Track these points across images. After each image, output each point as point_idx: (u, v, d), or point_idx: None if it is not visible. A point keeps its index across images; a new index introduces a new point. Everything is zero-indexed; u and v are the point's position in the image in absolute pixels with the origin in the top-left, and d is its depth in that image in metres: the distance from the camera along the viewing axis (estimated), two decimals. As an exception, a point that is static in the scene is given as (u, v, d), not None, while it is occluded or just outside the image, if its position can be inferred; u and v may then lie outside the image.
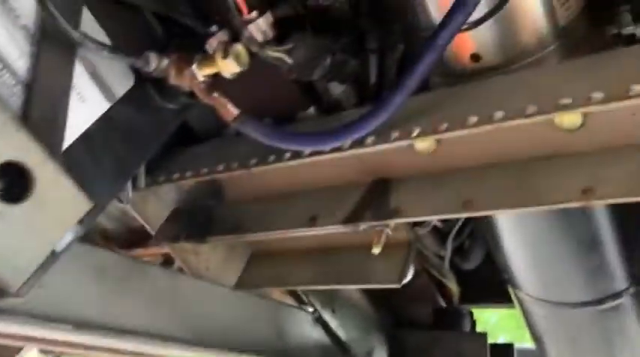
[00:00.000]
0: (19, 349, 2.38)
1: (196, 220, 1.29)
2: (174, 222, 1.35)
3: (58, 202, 0.67)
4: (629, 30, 0.91)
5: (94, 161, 0.75)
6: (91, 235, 2.14)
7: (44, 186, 0.65)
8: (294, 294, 2.05)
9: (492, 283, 1.94)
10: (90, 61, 0.75)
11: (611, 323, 1.23)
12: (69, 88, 0.71)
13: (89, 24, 0.76)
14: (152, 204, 1.44)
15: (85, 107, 0.75)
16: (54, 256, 0.68)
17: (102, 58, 0.73)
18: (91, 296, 1.16)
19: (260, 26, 0.90)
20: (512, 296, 1.38)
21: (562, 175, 0.85)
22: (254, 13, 0.89)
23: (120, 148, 0.80)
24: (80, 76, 0.74)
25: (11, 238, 0.60)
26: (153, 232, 1.45)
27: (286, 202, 1.17)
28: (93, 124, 0.75)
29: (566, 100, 0.75)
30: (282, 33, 0.93)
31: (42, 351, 2.51)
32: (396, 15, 1.01)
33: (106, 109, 0.77)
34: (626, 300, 1.19)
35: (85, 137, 0.74)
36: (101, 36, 0.77)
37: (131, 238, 2.10)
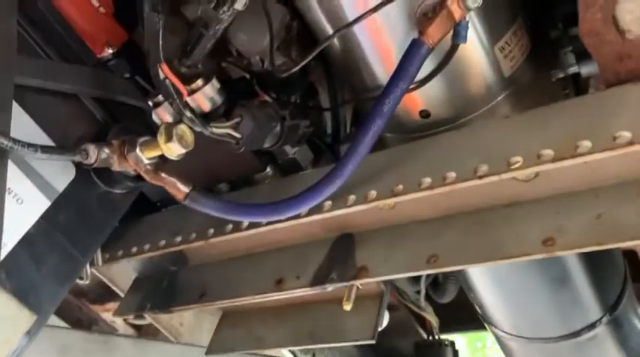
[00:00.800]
0: None
1: (160, 288, 1.25)
2: (137, 291, 1.30)
3: (-2, 322, 0.63)
4: (573, 70, 0.92)
5: (37, 265, 0.72)
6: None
7: (-19, 307, 0.61)
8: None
9: (473, 310, 1.93)
10: (25, 161, 0.72)
11: (589, 353, 1.22)
12: (3, 192, 0.68)
13: (23, 123, 0.72)
14: (116, 268, 1.40)
15: (24, 209, 0.71)
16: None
17: (37, 159, 0.70)
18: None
19: (207, 94, 0.87)
20: (489, 330, 1.36)
21: (522, 224, 0.85)
22: (200, 81, 0.86)
23: (66, 244, 0.76)
24: (15, 178, 0.70)
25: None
26: (121, 294, 1.41)
27: (251, 265, 1.14)
28: (33, 226, 0.72)
29: (517, 159, 0.74)
30: (230, 97, 0.91)
31: None
32: (344, 74, 1.00)
33: (46, 208, 0.74)
34: (601, 329, 1.18)
35: (26, 241, 0.70)
36: (37, 133, 0.74)
37: (103, 292, 2.03)
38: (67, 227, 0.76)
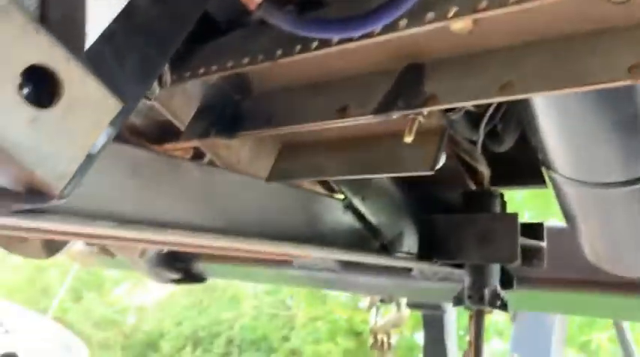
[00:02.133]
0: (66, 242, 2.52)
1: (225, 115, 1.28)
2: (202, 118, 1.34)
3: (88, 105, 0.65)
4: None
5: (118, 61, 0.73)
6: (121, 131, 2.16)
7: (72, 89, 0.63)
8: (324, 184, 2.08)
9: (522, 164, 1.93)
10: (102, -48, 0.70)
11: (646, 202, 1.22)
12: (84, -20, 0.67)
13: None
14: (179, 99, 1.43)
15: (104, 4, 0.71)
16: (90, 159, 0.69)
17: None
18: (127, 193, 1.19)
19: None
20: (546, 177, 1.36)
21: (608, 52, 0.80)
22: None
23: (142, 45, 0.77)
24: (93, -29, 0.69)
25: (49, 143, 0.60)
26: (182, 128, 1.45)
27: (315, 93, 1.14)
28: (113, 22, 0.72)
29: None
30: None
31: (87, 243, 2.65)
32: None
33: (124, 4, 0.74)
34: (665, 178, 1.16)
35: (107, 36, 0.71)
36: None
37: (161, 133, 2.11)
38: (143, 27, 0.76)
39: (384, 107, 1.01)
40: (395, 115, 1.00)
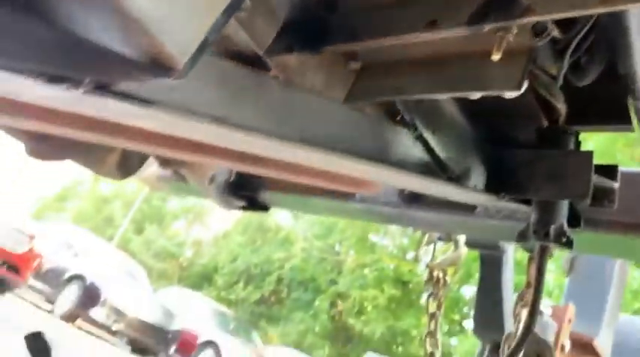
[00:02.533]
0: (141, 163, 2.65)
1: (309, 31, 1.30)
2: (285, 35, 1.36)
3: (207, -11, 0.69)
4: None
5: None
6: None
7: (197, -30, 0.67)
8: (394, 115, 2.09)
9: (601, 103, 1.87)
10: None
11: None
12: None
13: None
14: (261, 19, 1.46)
15: None
16: (206, 42, 0.73)
17: None
18: (216, 100, 1.25)
19: None
20: (631, 110, 1.33)
21: None
22: None
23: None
24: None
25: (176, 18, 0.65)
26: (259, 51, 1.48)
27: (403, 8, 1.15)
28: None
29: None
30: None
31: (162, 163, 2.78)
32: None
33: None
34: None
35: None
36: None
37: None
38: None
39: (476, 19, 1.01)
40: (488, 27, 1.00)
